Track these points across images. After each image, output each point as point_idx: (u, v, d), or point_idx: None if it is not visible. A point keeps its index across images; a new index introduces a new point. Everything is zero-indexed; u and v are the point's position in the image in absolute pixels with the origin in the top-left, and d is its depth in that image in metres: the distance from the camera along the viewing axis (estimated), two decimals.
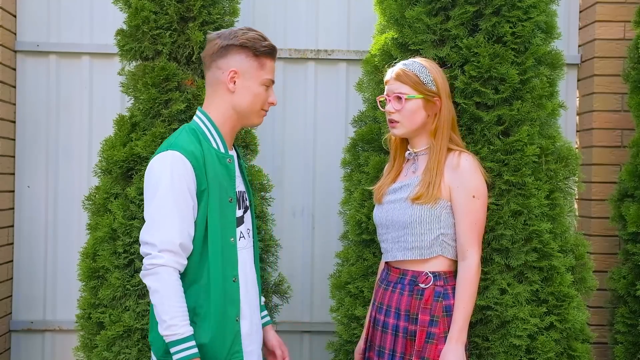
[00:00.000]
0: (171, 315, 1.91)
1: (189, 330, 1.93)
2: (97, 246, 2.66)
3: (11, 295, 3.46)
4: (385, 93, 2.33)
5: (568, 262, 2.54)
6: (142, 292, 2.57)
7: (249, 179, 2.38)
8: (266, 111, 2.14)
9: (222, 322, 2.01)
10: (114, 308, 2.59)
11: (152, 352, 2.08)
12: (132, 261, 2.59)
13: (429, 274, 2.23)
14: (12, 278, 3.46)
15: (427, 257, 2.23)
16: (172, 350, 1.92)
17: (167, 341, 1.94)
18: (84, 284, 2.70)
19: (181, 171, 1.96)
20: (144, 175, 2.52)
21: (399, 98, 2.26)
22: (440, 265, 2.24)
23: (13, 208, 3.46)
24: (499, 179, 2.48)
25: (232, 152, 2.14)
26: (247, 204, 2.20)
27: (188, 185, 1.97)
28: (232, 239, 2.05)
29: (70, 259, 3.36)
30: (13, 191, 3.46)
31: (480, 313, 2.46)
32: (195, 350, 1.93)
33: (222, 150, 2.07)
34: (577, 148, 3.47)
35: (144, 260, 1.97)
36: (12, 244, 3.46)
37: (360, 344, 2.45)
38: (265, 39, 2.09)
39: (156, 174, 1.98)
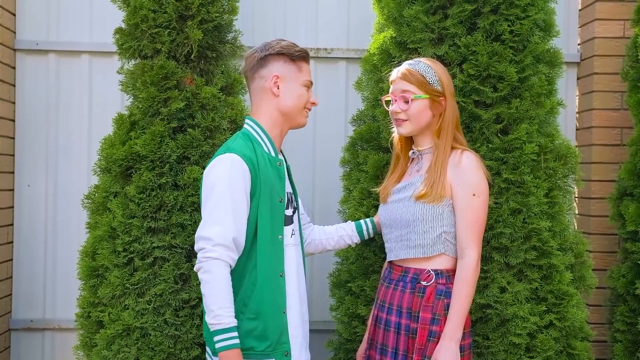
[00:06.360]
0: (219, 306, 2.01)
1: (233, 322, 2.03)
2: (97, 245, 2.66)
3: (11, 294, 3.46)
4: (390, 92, 2.33)
5: (567, 260, 2.54)
6: (142, 290, 2.56)
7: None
8: (309, 110, 2.29)
9: (269, 314, 2.12)
10: (114, 307, 2.59)
11: (207, 348, 2.20)
12: (132, 260, 2.59)
13: (431, 272, 2.23)
14: (11, 277, 3.46)
15: (430, 255, 2.23)
16: (216, 338, 2.02)
17: (211, 330, 2.03)
18: (83, 282, 2.70)
19: (239, 173, 2.09)
20: (142, 174, 2.57)
21: (406, 98, 2.26)
22: (442, 263, 2.25)
23: (13, 207, 3.46)
24: (498, 177, 2.47)
25: (281, 156, 2.27)
26: (295, 205, 2.32)
27: (245, 185, 2.10)
28: (280, 237, 2.18)
29: (69, 257, 3.36)
30: (13, 190, 3.46)
31: (481, 311, 2.46)
32: (237, 341, 2.02)
33: (273, 154, 2.22)
34: (576, 146, 3.46)
35: (198, 255, 2.08)
36: (12, 242, 3.46)
37: (363, 344, 2.45)
38: (297, 46, 2.26)
39: (214, 175, 2.10)
